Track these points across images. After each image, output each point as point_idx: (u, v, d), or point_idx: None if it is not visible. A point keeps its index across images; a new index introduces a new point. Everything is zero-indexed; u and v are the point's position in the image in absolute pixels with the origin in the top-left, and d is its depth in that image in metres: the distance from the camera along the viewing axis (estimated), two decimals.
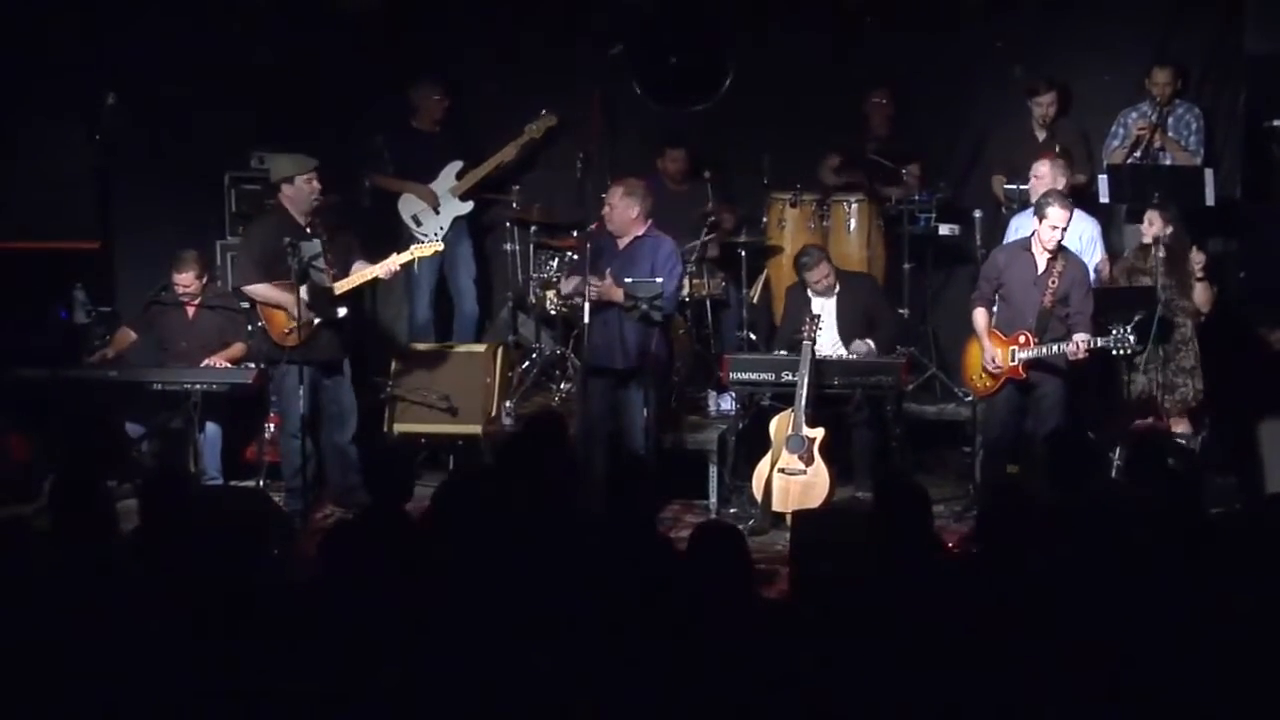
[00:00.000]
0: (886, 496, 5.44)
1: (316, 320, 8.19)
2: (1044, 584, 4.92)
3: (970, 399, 8.75)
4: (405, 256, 8.39)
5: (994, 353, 8.10)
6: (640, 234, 8.28)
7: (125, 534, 5.65)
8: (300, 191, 8.27)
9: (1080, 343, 7.91)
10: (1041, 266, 8.12)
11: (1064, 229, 8.04)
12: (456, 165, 9.78)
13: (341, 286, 8.29)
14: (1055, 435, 7.03)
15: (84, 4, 9.71)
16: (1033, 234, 8.15)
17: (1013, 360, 8.05)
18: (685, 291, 9.24)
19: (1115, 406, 8.64)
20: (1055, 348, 7.98)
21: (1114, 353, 8.05)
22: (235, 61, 9.74)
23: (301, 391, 8.21)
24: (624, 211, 8.21)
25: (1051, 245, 8.04)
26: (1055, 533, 5.32)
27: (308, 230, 8.27)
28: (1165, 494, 5.98)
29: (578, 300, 8.36)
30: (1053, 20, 9.71)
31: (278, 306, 8.24)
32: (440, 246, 8.75)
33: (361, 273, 8.32)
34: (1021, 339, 8.06)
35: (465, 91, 10.04)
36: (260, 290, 8.32)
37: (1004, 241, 8.82)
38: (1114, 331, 7.93)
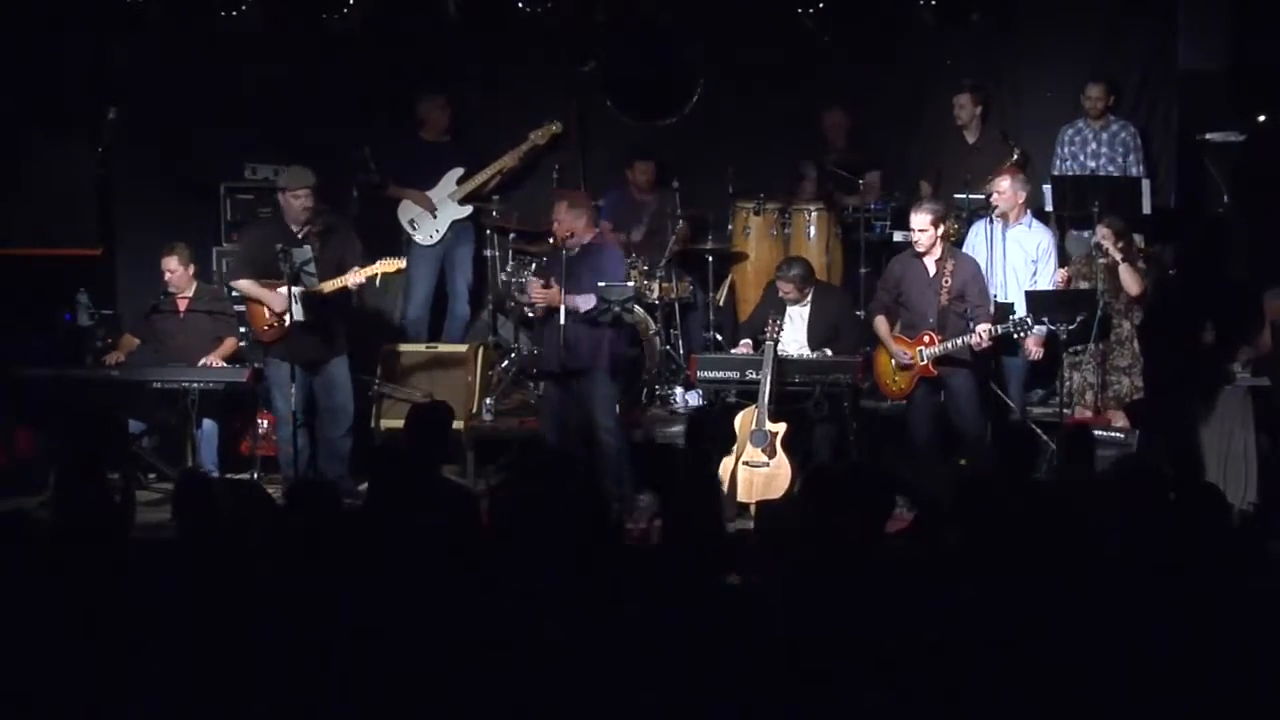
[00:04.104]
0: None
1: (290, 320, 8.51)
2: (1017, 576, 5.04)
3: None
4: (368, 271, 8.57)
5: (902, 350, 8.52)
6: (586, 241, 8.46)
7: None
8: (289, 204, 8.63)
9: (983, 333, 8.28)
10: (933, 269, 8.52)
11: (927, 230, 8.43)
12: (458, 172, 10.08)
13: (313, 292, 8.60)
14: (1007, 426, 7.40)
15: (88, 22, 9.97)
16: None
17: (922, 360, 8.44)
18: (655, 294, 9.59)
19: (1054, 401, 9.03)
20: (959, 341, 8.36)
21: (1015, 337, 8.48)
22: (232, 76, 10.05)
23: (293, 389, 8.58)
24: (573, 222, 8.38)
25: (922, 248, 8.47)
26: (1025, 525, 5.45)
27: (300, 237, 8.61)
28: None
29: (528, 308, 8.77)
30: (999, 39, 10.12)
31: (257, 301, 8.66)
32: (402, 264, 8.82)
33: (332, 281, 8.56)
34: (926, 339, 8.43)
35: (464, 105, 10.32)
36: (244, 285, 8.79)
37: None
38: (1011, 318, 8.37)
